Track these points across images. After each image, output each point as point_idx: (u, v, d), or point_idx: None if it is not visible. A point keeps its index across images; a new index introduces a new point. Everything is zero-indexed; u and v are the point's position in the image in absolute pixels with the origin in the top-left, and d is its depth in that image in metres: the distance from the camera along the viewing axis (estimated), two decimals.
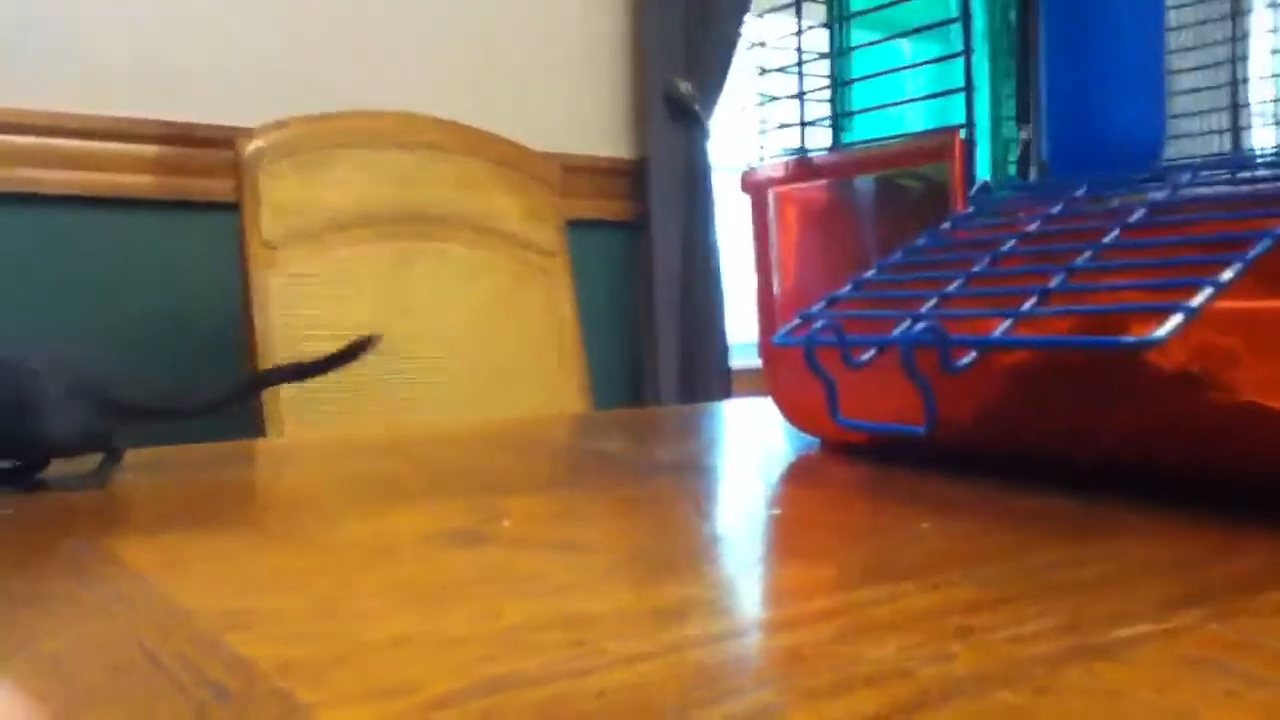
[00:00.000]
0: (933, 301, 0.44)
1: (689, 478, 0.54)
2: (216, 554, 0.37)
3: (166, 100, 1.38)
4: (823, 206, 0.64)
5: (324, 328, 1.21)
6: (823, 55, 0.63)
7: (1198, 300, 0.35)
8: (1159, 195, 0.46)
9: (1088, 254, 0.42)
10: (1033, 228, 0.47)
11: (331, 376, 0.57)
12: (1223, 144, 0.66)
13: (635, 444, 0.69)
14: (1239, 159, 0.57)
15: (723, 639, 0.26)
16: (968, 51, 0.54)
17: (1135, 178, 0.50)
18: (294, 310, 1.20)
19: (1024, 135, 0.59)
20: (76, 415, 0.50)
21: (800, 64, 0.62)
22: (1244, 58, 0.65)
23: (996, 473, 0.48)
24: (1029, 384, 0.47)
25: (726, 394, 1.80)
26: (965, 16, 0.55)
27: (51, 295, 1.33)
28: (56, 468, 0.53)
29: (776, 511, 0.46)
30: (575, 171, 1.63)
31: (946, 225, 0.52)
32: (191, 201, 1.40)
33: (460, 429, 0.81)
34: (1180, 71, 0.66)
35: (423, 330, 1.29)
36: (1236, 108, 0.66)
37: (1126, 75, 0.53)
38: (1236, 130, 0.66)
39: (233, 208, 1.22)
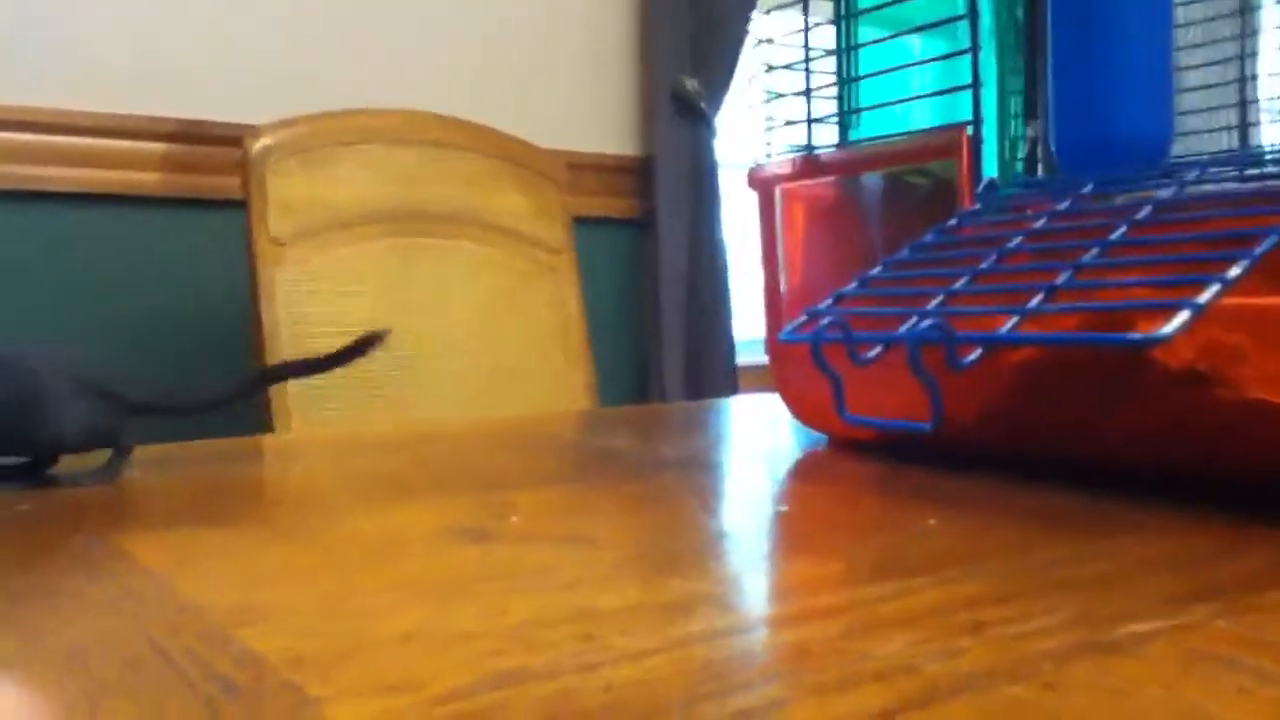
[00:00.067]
0: (939, 298, 0.44)
1: (695, 474, 0.54)
2: (225, 549, 0.37)
3: (174, 99, 1.39)
4: (829, 203, 0.64)
5: (331, 324, 1.21)
6: (830, 52, 0.63)
7: (1204, 297, 0.35)
8: (1166, 192, 0.46)
9: (1094, 251, 0.42)
10: (1039, 225, 0.47)
11: (338, 373, 0.57)
12: (1231, 141, 0.66)
13: (642, 441, 0.69)
14: (1247, 156, 0.57)
15: (730, 634, 0.26)
16: (975, 48, 0.54)
17: (1142, 175, 0.50)
18: (301, 307, 1.21)
19: (1031, 132, 0.59)
20: (84, 411, 0.50)
21: (807, 61, 0.62)
22: (1253, 54, 0.65)
23: (1003, 469, 0.48)
24: (1035, 381, 0.47)
25: (733, 391, 1.80)
26: (973, 13, 0.55)
27: (60, 292, 1.34)
28: (66, 464, 0.53)
29: (783, 508, 0.46)
30: (582, 169, 1.64)
31: (953, 222, 0.52)
32: (199, 199, 1.41)
33: (467, 426, 0.81)
34: (1188, 68, 0.66)
35: (429, 327, 1.29)
36: (1245, 104, 0.65)
37: (1134, 72, 0.53)
38: (1245, 127, 0.66)
39: (240, 205, 1.22)
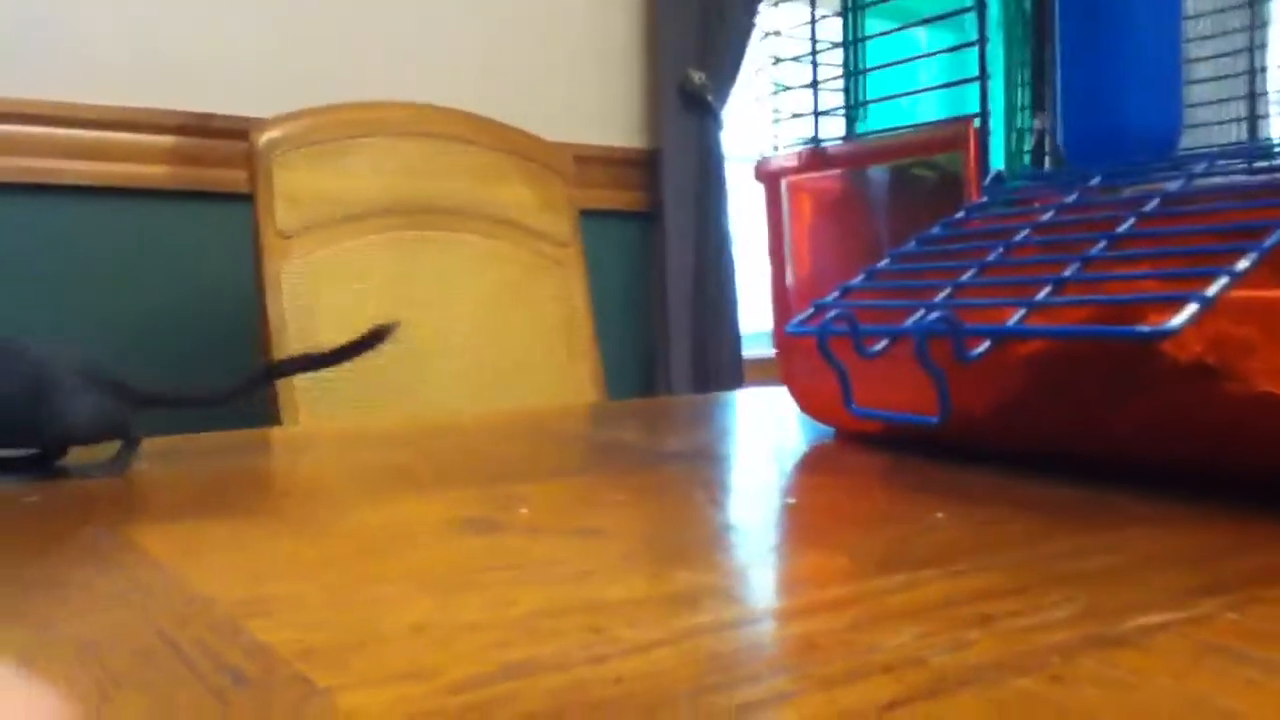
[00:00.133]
0: (946, 291, 0.44)
1: (702, 467, 0.54)
2: (234, 541, 0.37)
3: (180, 92, 1.39)
4: (836, 196, 0.64)
5: (337, 317, 1.21)
6: (836, 44, 0.62)
7: (1213, 290, 0.35)
8: (1174, 185, 0.45)
9: (1102, 244, 0.42)
10: (1047, 217, 0.47)
11: (345, 366, 0.57)
12: (1240, 133, 0.66)
13: (648, 433, 0.69)
14: (1256, 148, 0.57)
15: (737, 626, 0.26)
16: (982, 40, 0.54)
17: (1151, 167, 0.49)
18: (307, 300, 1.21)
19: (1039, 124, 0.59)
20: (93, 403, 0.50)
21: (814, 53, 0.62)
22: (1262, 46, 0.65)
23: (1010, 462, 0.48)
24: (1043, 374, 0.47)
25: (739, 384, 1.80)
26: (980, 5, 0.55)
27: (67, 285, 1.34)
28: (74, 456, 0.53)
29: (790, 500, 0.46)
30: (589, 162, 1.63)
31: (960, 215, 0.52)
32: (206, 192, 1.41)
33: (474, 419, 0.81)
34: (1198, 60, 0.66)
35: (436, 320, 1.29)
36: (1254, 96, 0.65)
37: (1143, 64, 0.53)
38: (1254, 119, 0.65)
39: (247, 198, 1.22)
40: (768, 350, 1.77)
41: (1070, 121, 0.54)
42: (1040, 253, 0.46)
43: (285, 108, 1.25)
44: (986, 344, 0.41)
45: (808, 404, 0.63)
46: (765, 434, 0.70)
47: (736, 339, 1.83)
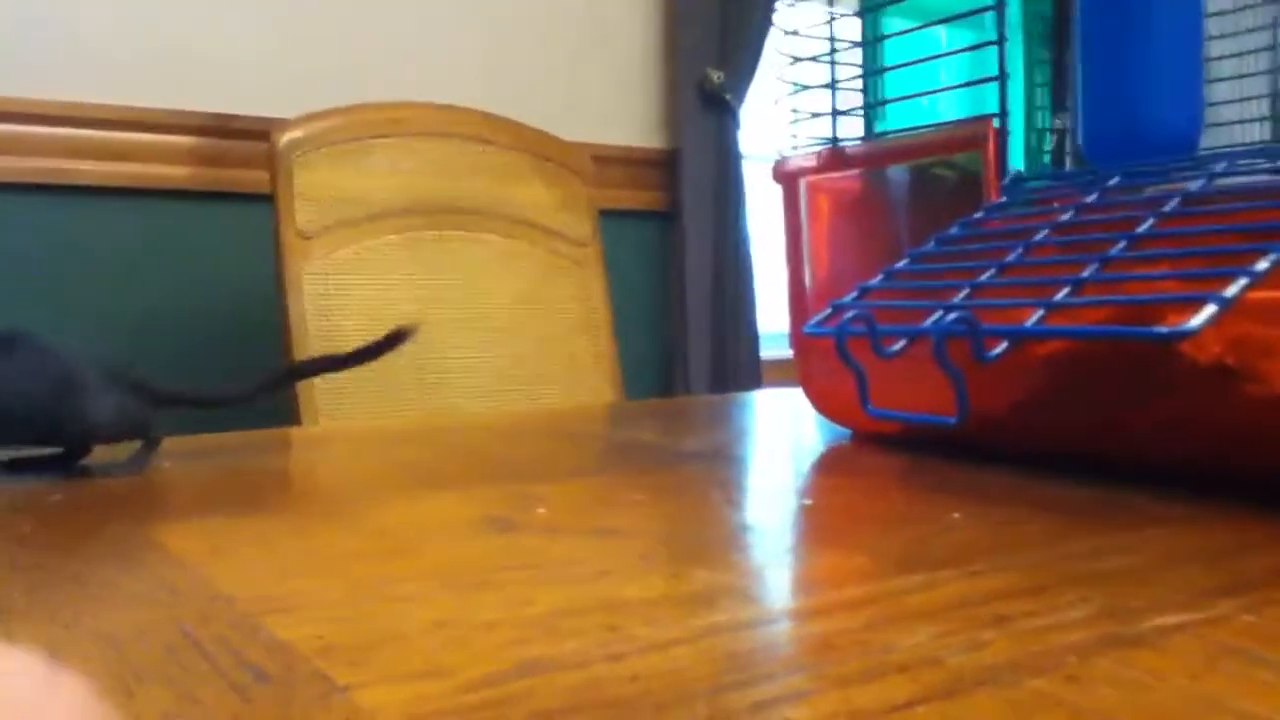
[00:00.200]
0: (965, 292, 0.44)
1: (720, 467, 0.54)
2: (255, 539, 0.37)
3: (199, 93, 1.40)
4: (855, 196, 0.64)
5: (357, 317, 1.22)
6: (855, 44, 0.62)
7: (1232, 290, 0.35)
8: (1195, 184, 0.45)
9: (1122, 244, 0.42)
10: (1066, 217, 0.47)
11: (365, 365, 0.57)
12: (1262, 132, 0.65)
13: (666, 434, 0.69)
14: (1277, 148, 0.56)
15: (754, 626, 0.26)
16: (1001, 39, 0.54)
17: (1171, 167, 0.49)
18: (327, 300, 1.21)
19: (1058, 124, 0.59)
20: (116, 402, 0.51)
21: (833, 53, 0.62)
22: None
23: (1028, 463, 0.48)
24: (1062, 375, 0.47)
25: (757, 384, 1.80)
26: (999, 4, 0.55)
27: (89, 285, 1.35)
28: (97, 455, 0.54)
29: (807, 501, 0.46)
30: (607, 162, 1.64)
31: (979, 215, 0.52)
32: (227, 192, 1.42)
33: (492, 418, 0.82)
34: (1219, 59, 0.65)
35: (456, 320, 1.29)
36: (1276, 96, 0.65)
37: (1164, 63, 0.52)
38: (1276, 118, 0.65)
39: (268, 198, 1.23)
40: (785, 351, 1.77)
41: (1090, 121, 0.54)
42: (1059, 253, 0.46)
43: (304, 108, 1.26)
44: (1005, 344, 0.41)
45: (825, 405, 0.63)
46: (783, 435, 0.70)
47: (755, 339, 1.83)
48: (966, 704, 0.21)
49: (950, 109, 0.59)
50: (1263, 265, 0.36)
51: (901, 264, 0.50)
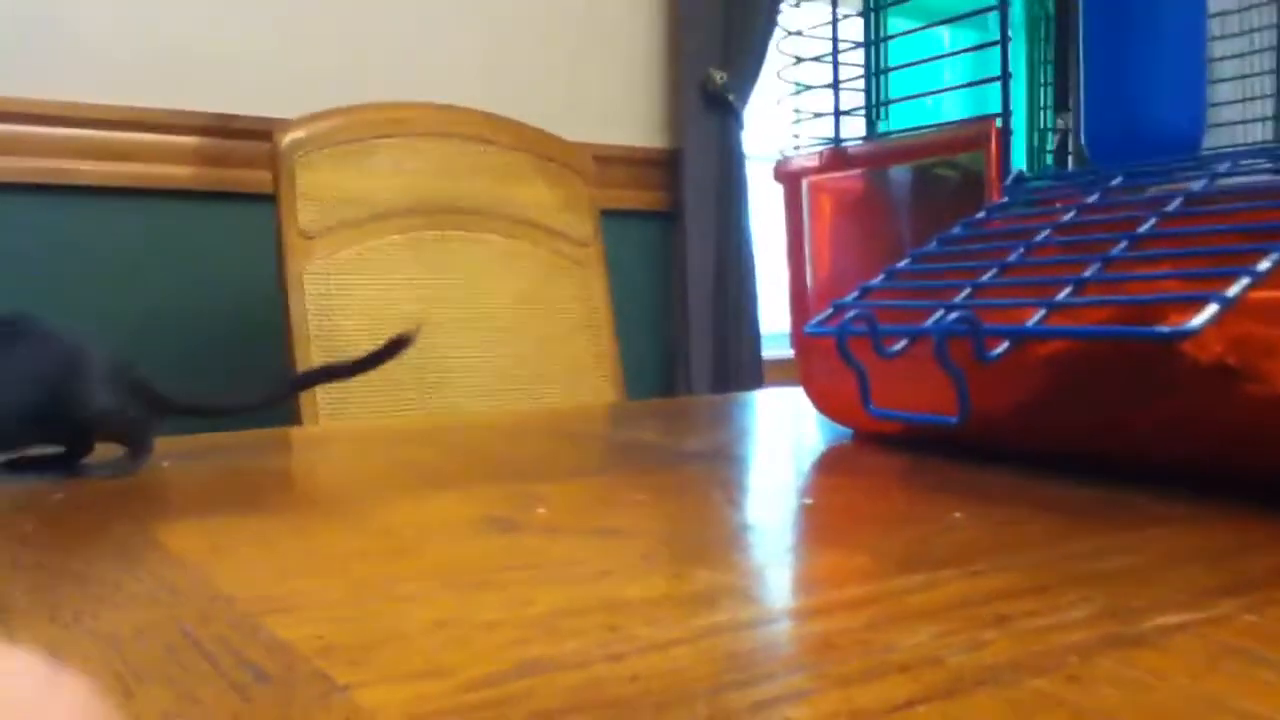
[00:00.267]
0: (966, 291, 0.44)
1: (721, 467, 0.54)
2: (256, 539, 0.37)
3: (202, 93, 1.40)
4: (857, 196, 0.64)
5: (359, 317, 1.22)
6: (858, 44, 0.62)
7: (1234, 290, 0.35)
8: (1197, 184, 0.45)
9: (1123, 244, 0.42)
10: (1068, 217, 0.47)
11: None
12: (1265, 132, 0.65)
13: (668, 433, 0.69)
14: None
15: (754, 625, 0.26)
16: (1004, 40, 0.54)
17: (1173, 167, 0.49)
18: (329, 300, 1.21)
19: (1061, 124, 0.59)
20: (120, 395, 0.51)
21: (835, 53, 0.62)
22: None
23: (1029, 463, 0.48)
24: (1063, 375, 0.47)
25: (759, 384, 1.80)
26: (1003, 4, 0.54)
27: (91, 285, 1.35)
28: (95, 455, 0.54)
29: (808, 500, 0.46)
30: (610, 162, 1.64)
31: (981, 215, 0.52)
32: (229, 192, 1.42)
33: (494, 418, 0.82)
34: (1222, 59, 0.65)
35: (457, 320, 1.29)
36: (1279, 96, 0.65)
37: (1167, 63, 0.52)
38: (1279, 118, 0.65)
39: (270, 198, 1.23)
40: (787, 351, 1.77)
41: (1093, 121, 0.54)
42: (1061, 253, 0.46)
43: (306, 108, 1.26)
44: (1006, 344, 0.41)
45: (826, 405, 0.63)
46: (784, 434, 0.70)
47: (756, 339, 1.83)
48: (967, 704, 0.21)
49: (953, 109, 0.59)
50: (1264, 265, 0.36)
51: (903, 264, 0.50)
